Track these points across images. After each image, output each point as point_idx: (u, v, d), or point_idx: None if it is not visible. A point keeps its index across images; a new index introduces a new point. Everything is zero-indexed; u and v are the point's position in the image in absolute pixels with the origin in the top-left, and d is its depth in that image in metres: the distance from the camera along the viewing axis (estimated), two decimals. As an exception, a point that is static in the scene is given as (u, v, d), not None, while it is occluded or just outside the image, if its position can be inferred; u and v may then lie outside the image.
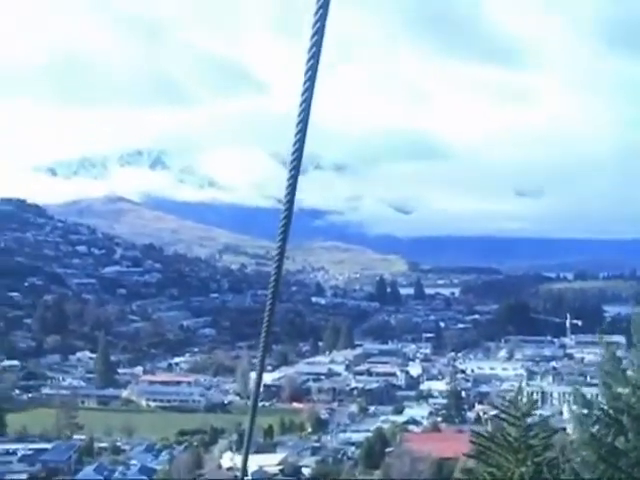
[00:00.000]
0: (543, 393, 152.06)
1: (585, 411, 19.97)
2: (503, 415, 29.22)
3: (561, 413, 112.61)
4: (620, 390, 19.37)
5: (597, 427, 19.22)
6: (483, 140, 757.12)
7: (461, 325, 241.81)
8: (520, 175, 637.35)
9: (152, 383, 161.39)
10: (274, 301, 5.35)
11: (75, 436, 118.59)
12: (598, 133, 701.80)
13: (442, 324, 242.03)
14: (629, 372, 19.25)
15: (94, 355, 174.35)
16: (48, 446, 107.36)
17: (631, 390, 18.77)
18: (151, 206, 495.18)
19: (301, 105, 4.21)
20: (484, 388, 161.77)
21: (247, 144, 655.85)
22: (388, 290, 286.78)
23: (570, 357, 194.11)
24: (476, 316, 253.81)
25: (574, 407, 21.05)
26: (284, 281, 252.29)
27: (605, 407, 19.42)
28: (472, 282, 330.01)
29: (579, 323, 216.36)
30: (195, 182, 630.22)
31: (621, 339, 30.12)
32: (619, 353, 19.05)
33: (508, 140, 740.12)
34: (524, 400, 29.99)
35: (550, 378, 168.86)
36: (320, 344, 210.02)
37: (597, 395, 21.11)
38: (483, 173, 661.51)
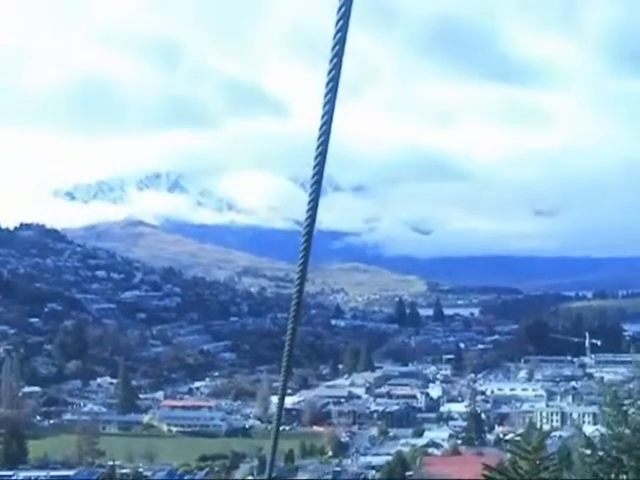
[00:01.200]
0: (563, 414, 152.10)
1: (588, 452, 20.71)
2: (514, 448, 30.07)
3: (581, 434, 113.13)
4: (621, 430, 20.09)
5: (600, 466, 19.94)
6: (500, 160, 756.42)
7: (481, 346, 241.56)
8: (537, 194, 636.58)
9: (173, 408, 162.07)
10: (296, 324, 5.34)
11: (97, 462, 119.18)
12: (613, 152, 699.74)
13: (462, 345, 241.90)
14: (631, 410, 19.94)
15: (115, 380, 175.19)
16: (70, 473, 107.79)
17: (631, 431, 19.48)
18: (170, 229, 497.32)
19: (321, 128, 4.26)
20: (504, 409, 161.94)
21: (265, 167, 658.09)
22: (407, 311, 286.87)
23: (590, 377, 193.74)
24: (496, 336, 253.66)
25: (578, 448, 21.78)
26: (304, 304, 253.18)
27: (607, 447, 20.14)
28: (491, 302, 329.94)
29: (598, 343, 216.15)
30: (213, 205, 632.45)
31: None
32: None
33: (525, 160, 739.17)
34: (536, 433, 30.73)
35: (570, 398, 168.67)
36: (340, 367, 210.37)
37: (601, 435, 21.81)
38: (500, 193, 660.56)
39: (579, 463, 21.13)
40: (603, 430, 21.74)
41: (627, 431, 19.98)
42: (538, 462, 29.62)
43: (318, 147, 4.32)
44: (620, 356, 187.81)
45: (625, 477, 19.29)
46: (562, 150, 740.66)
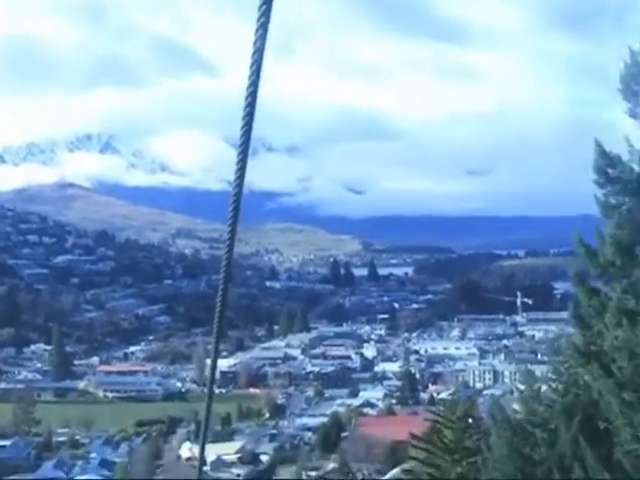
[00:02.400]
0: (495, 372, 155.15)
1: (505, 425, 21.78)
2: (439, 419, 31.24)
3: (512, 392, 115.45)
4: (536, 406, 21.16)
5: (515, 439, 21.03)
6: (433, 119, 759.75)
7: (415, 305, 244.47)
8: (470, 154, 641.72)
9: (109, 373, 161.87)
10: (226, 285, 5.28)
11: (33, 430, 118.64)
12: (545, 112, 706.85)
13: (396, 304, 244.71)
14: (544, 388, 21.01)
15: (49, 347, 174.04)
16: (6, 443, 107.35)
17: (545, 407, 20.55)
18: (102, 191, 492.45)
19: (249, 88, 4.26)
20: (438, 368, 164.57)
21: (199, 127, 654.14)
22: (342, 272, 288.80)
23: (521, 335, 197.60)
24: (429, 296, 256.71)
25: (496, 417, 22.89)
26: (238, 265, 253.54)
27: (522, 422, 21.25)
28: (425, 261, 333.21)
29: (530, 301, 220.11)
30: (146, 166, 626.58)
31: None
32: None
33: (458, 120, 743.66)
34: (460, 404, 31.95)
35: (502, 356, 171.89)
36: (275, 328, 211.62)
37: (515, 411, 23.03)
38: (433, 152, 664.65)
39: (496, 438, 22.27)
40: (520, 407, 22.90)
41: (540, 408, 21.12)
42: (462, 431, 30.86)
43: (246, 107, 4.35)
44: (551, 314, 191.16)
45: (539, 450, 20.40)
46: (495, 110, 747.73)
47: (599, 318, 18.54)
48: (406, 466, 37.86)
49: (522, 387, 22.57)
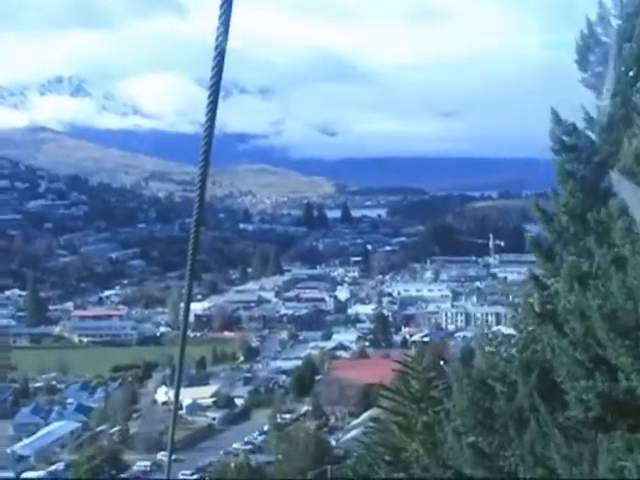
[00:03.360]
0: (467, 314, 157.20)
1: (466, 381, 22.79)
2: (407, 369, 32.26)
3: (483, 335, 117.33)
4: (496, 361, 22.18)
5: (476, 393, 22.06)
6: (406, 62, 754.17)
7: (388, 247, 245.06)
8: (443, 96, 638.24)
9: (83, 318, 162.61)
10: (198, 228, 5.19)
11: (10, 376, 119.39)
12: (519, 55, 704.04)
13: (369, 247, 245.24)
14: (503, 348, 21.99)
15: (23, 292, 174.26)
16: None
17: (505, 362, 21.55)
18: (74, 135, 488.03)
19: (219, 29, 4.23)
20: (410, 310, 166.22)
21: (170, 70, 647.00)
22: (315, 214, 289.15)
23: (494, 277, 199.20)
24: (402, 238, 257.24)
25: (457, 370, 23.91)
26: (211, 208, 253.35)
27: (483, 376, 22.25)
28: (398, 203, 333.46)
29: (502, 243, 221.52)
30: (118, 109, 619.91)
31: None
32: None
33: (430, 62, 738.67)
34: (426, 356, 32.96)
35: (474, 298, 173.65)
36: (249, 271, 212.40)
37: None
38: (405, 95, 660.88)
39: (457, 391, 23.29)
40: (482, 361, 23.87)
41: (501, 363, 22.12)
42: (428, 381, 32.03)
43: (216, 48, 4.32)
44: (523, 256, 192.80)
45: (498, 403, 21.39)
46: (468, 52, 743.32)
47: (554, 280, 19.50)
48: (374, 414, 38.96)
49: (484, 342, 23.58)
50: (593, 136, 19.55)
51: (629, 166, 15.33)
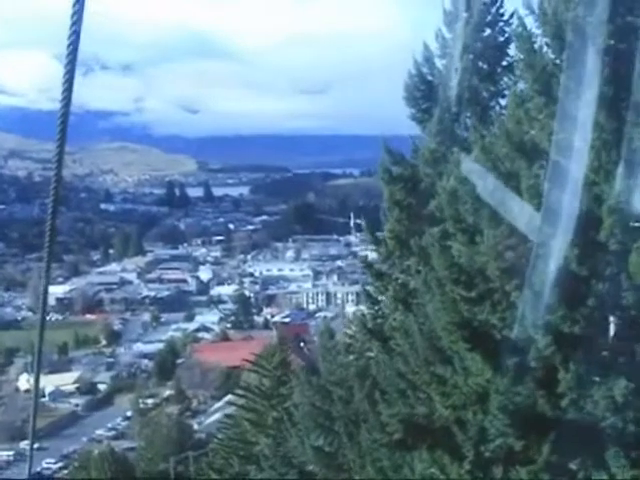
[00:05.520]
0: (328, 293, 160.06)
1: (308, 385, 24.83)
2: (258, 368, 34.34)
3: (344, 316, 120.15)
4: (334, 367, 24.25)
5: (317, 396, 24.11)
6: (269, 40, 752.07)
7: (250, 226, 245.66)
8: (306, 75, 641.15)
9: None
10: (55, 208, 4.97)
11: None
12: (382, 33, 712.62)
13: (231, 226, 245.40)
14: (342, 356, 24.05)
15: None
16: None
17: (343, 368, 23.62)
18: None
19: (74, 5, 4.13)
20: (272, 290, 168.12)
21: (30, 46, 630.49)
22: (177, 193, 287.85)
23: (355, 255, 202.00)
24: (265, 217, 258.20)
25: (301, 379, 25.94)
26: (72, 187, 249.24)
27: (323, 381, 24.31)
28: (261, 181, 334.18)
29: (362, 222, 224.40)
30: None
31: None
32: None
33: (294, 40, 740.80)
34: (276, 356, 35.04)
35: (335, 277, 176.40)
36: (111, 252, 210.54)
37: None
38: (269, 73, 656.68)
39: (300, 395, 25.38)
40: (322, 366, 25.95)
41: (339, 369, 24.23)
42: (278, 379, 34.39)
43: (72, 25, 4.23)
44: (383, 235, 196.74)
45: (336, 407, 23.49)
46: (332, 31, 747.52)
47: (384, 296, 21.67)
48: (227, 411, 40.94)
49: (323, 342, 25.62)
50: (419, 166, 21.77)
51: (444, 203, 17.33)
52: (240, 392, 32.77)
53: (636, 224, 13.37)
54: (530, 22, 15.72)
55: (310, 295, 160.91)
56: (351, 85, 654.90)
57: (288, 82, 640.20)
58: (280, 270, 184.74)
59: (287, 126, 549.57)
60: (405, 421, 16.41)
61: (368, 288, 22.25)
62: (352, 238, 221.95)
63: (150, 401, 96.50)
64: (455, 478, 14.95)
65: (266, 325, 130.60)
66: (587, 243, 13.32)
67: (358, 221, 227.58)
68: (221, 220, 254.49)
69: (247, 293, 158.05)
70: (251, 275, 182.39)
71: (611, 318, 13.95)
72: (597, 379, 13.74)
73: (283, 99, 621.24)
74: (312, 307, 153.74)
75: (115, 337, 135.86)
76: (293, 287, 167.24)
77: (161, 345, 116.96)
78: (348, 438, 21.60)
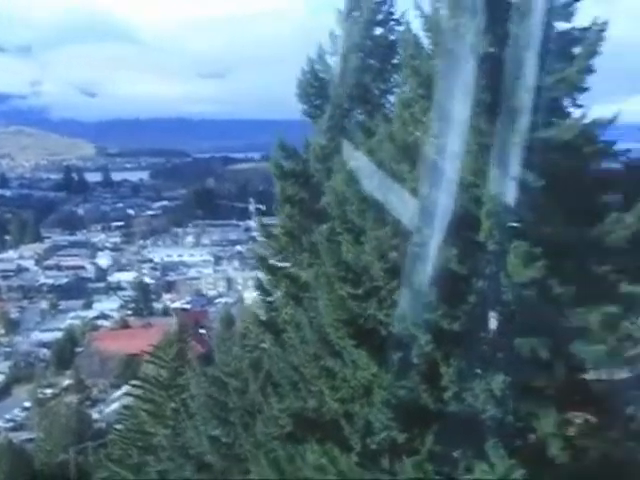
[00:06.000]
0: (228, 279, 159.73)
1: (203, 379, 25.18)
2: (155, 359, 34.48)
3: (242, 300, 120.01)
4: (229, 359, 24.63)
5: (212, 388, 24.47)
6: (169, 24, 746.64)
7: (150, 212, 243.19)
8: (206, 59, 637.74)
9: None
10: None
11: None
12: (280, 18, 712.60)
13: (131, 211, 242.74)
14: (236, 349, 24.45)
15: None
16: None
17: (237, 360, 24.01)
18: None
19: None
20: (172, 276, 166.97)
21: None
22: (75, 178, 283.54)
23: (255, 240, 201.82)
24: (165, 202, 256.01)
25: (197, 370, 26.24)
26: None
27: (219, 372, 24.67)
28: (161, 165, 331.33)
29: (263, 207, 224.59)
30: None
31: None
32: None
33: (193, 23, 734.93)
34: (173, 347, 35.23)
35: (236, 263, 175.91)
36: (7, 239, 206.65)
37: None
38: (168, 56, 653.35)
39: (195, 387, 25.66)
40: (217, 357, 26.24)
41: (234, 361, 24.62)
42: (175, 370, 34.61)
43: None
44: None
45: (232, 397, 23.78)
46: (232, 15, 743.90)
47: (277, 289, 22.09)
48: (125, 402, 40.97)
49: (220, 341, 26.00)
50: (311, 160, 22.20)
51: (332, 203, 17.80)
52: (138, 383, 32.89)
53: (512, 224, 14.02)
54: (419, 24, 16.20)
55: (210, 281, 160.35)
56: (252, 68, 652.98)
57: (188, 66, 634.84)
58: (180, 256, 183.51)
59: (187, 110, 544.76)
60: (295, 415, 16.87)
61: (261, 281, 22.63)
62: (252, 223, 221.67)
63: (49, 391, 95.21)
64: (344, 469, 15.45)
65: (166, 312, 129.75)
66: (466, 243, 13.93)
67: (258, 206, 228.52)
68: (120, 205, 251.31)
69: (147, 279, 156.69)
70: (151, 261, 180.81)
71: (491, 315, 14.59)
72: (477, 373, 14.38)
73: (183, 83, 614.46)
74: (212, 293, 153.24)
75: (12, 326, 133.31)
76: (193, 273, 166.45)
77: (59, 334, 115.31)
78: (243, 429, 21.99)
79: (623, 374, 16.46)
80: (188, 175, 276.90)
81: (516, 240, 13.88)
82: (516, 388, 14.29)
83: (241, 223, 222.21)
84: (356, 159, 16.25)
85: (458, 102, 13.72)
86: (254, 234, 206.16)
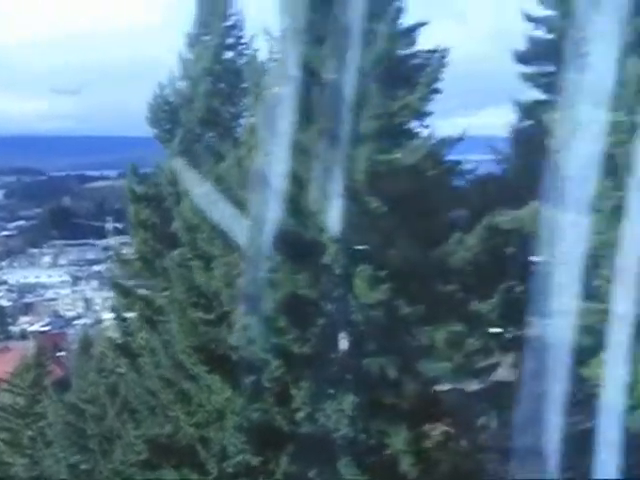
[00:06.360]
0: (87, 299, 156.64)
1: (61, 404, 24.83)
2: (11, 387, 33.68)
3: (101, 321, 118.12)
4: (86, 386, 24.39)
5: (69, 416, 24.17)
6: (22, 38, 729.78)
7: (5, 232, 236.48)
8: (59, 74, 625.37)
9: None
10: None
11: None
12: (134, 37, 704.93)
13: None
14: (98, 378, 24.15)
15: None
16: None
17: (94, 386, 23.80)
18: None
19: None
20: (29, 298, 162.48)
21: None
22: None
23: (112, 260, 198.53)
24: (21, 222, 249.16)
25: (53, 397, 25.81)
26: None
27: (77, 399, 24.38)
28: (14, 185, 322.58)
29: (120, 225, 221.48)
30: None
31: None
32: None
33: (47, 38, 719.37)
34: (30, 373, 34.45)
35: (95, 283, 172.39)
36: None
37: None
38: (21, 73, 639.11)
39: (53, 415, 25.26)
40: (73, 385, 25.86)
41: (91, 387, 24.34)
42: (33, 397, 33.73)
43: None
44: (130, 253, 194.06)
45: (90, 424, 23.51)
46: (88, 32, 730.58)
47: (131, 313, 21.99)
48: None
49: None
50: (162, 186, 22.20)
51: (181, 230, 17.87)
52: (-2, 411, 32.01)
53: (357, 248, 14.40)
54: (268, 48, 16.36)
55: (68, 302, 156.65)
56: (110, 84, 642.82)
57: (42, 82, 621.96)
58: (37, 277, 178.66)
59: (42, 127, 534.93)
60: (151, 441, 16.85)
61: (117, 305, 22.51)
62: (110, 242, 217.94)
63: None
64: (201, 495, 15.55)
65: (24, 335, 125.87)
66: (314, 268, 14.25)
67: (115, 225, 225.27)
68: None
69: (3, 302, 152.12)
70: (6, 283, 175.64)
71: (340, 336, 14.93)
72: (328, 393, 14.69)
73: (36, 99, 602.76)
74: (71, 314, 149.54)
75: None
76: (51, 294, 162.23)
77: None
78: (102, 456, 21.77)
79: (474, 386, 16.90)
80: (44, 194, 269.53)
81: (361, 264, 14.24)
82: (367, 407, 14.63)
83: (98, 242, 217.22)
84: (199, 186, 16.41)
85: (300, 130, 14.02)
86: (112, 253, 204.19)
